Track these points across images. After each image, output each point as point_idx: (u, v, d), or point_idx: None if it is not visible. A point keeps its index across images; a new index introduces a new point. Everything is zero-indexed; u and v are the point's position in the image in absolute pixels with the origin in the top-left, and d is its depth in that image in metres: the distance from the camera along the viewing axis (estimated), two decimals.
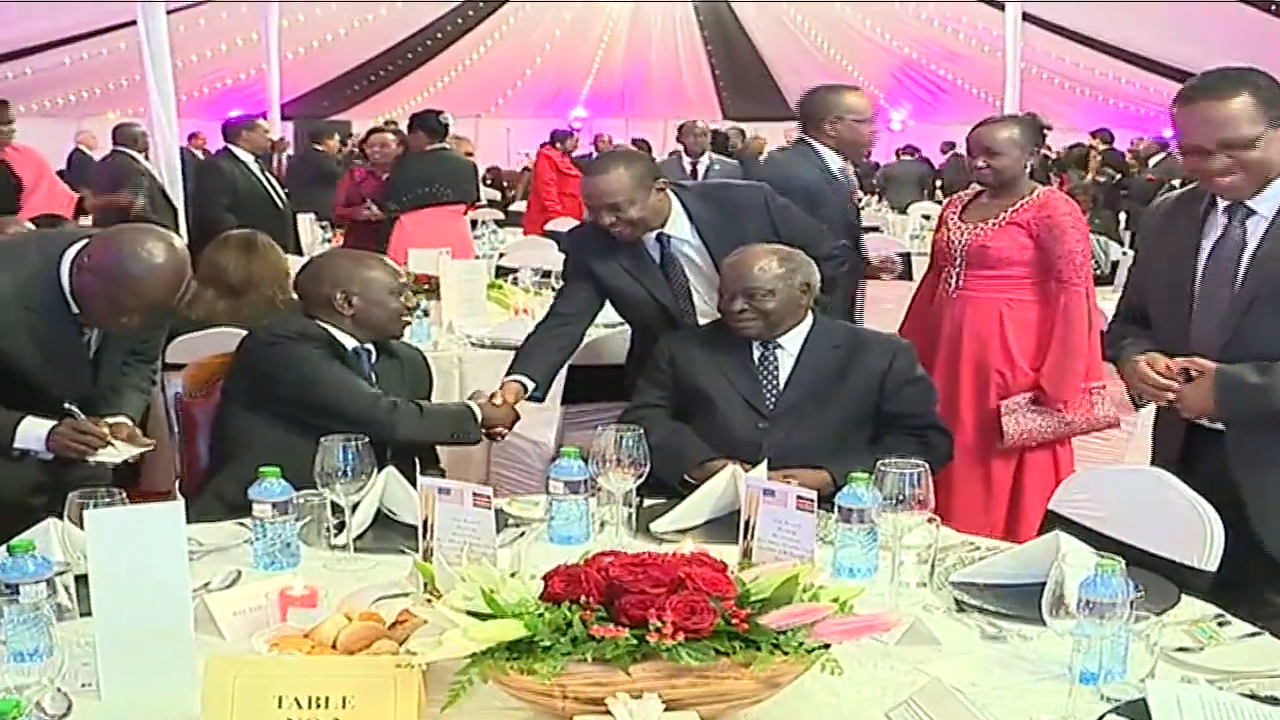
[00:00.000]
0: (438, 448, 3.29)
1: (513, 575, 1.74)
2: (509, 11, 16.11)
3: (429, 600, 1.78)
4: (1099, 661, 1.79)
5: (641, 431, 2.51)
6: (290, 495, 2.37)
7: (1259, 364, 2.51)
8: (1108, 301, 4.37)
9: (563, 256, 4.25)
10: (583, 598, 1.64)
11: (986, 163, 3.91)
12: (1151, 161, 11.90)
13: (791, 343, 3.14)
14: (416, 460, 3.00)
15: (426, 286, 5.11)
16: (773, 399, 3.11)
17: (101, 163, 8.45)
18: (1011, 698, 1.82)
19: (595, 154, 12.09)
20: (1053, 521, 2.56)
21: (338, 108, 17.37)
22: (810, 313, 3.18)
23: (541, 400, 3.53)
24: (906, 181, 13.32)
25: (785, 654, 1.62)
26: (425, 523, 2.21)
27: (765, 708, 1.71)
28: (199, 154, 11.85)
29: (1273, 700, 1.76)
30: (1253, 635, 2.06)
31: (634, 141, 13.68)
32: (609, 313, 3.81)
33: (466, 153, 9.84)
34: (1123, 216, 10.94)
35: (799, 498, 2.17)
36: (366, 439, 2.41)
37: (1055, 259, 3.85)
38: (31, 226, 4.74)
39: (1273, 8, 10.18)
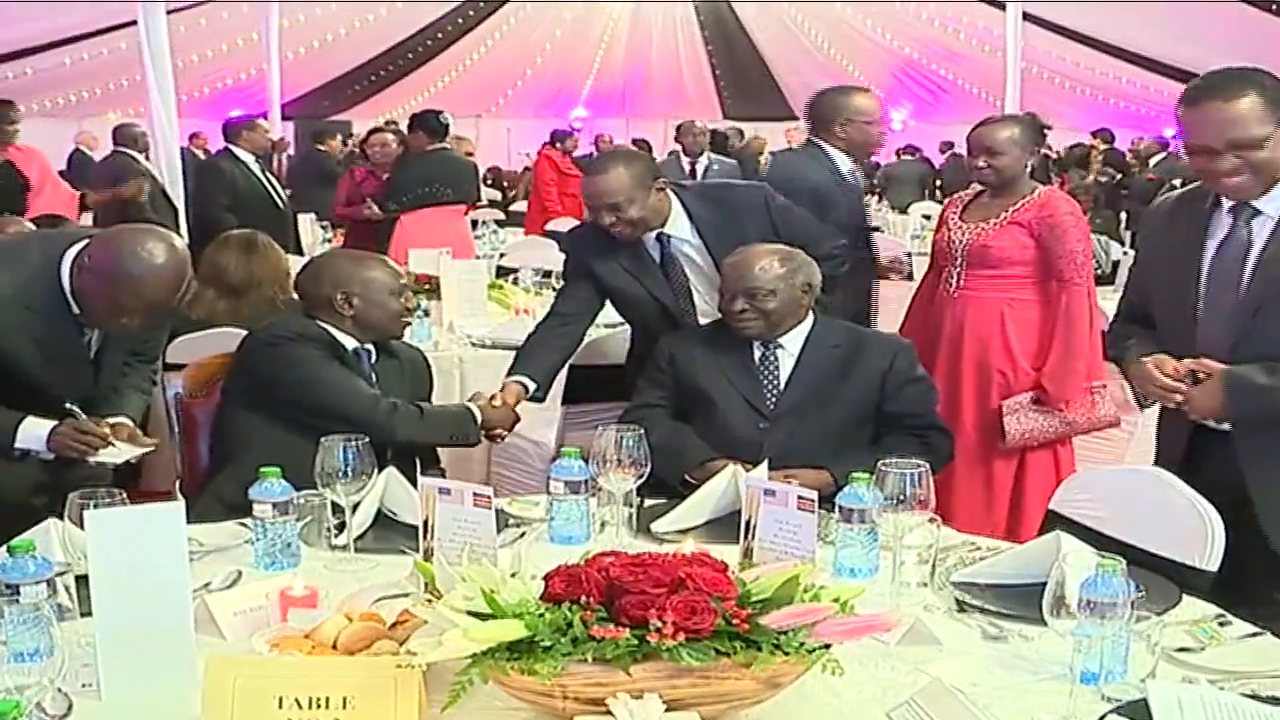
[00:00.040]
0: (438, 448, 3.28)
1: (513, 575, 1.74)
2: (509, 11, 16.10)
3: (429, 600, 1.78)
4: (1100, 662, 1.79)
5: (642, 431, 2.51)
6: (291, 495, 2.37)
7: (1268, 365, 2.50)
8: (1108, 301, 4.37)
9: (563, 257, 4.25)
10: (583, 598, 1.64)
11: (987, 162, 3.91)
12: (1152, 161, 11.91)
13: (792, 343, 3.14)
14: (417, 460, 3.01)
15: (427, 286, 5.11)
16: (773, 399, 3.11)
17: (102, 162, 8.46)
18: (1012, 698, 1.82)
19: (596, 154, 12.08)
20: (1053, 521, 2.56)
21: (338, 108, 17.37)
22: (811, 313, 3.18)
23: (542, 400, 3.53)
24: (907, 181, 13.31)
25: (786, 654, 1.62)
26: (426, 523, 2.21)
27: (766, 708, 1.71)
28: (200, 154, 11.86)
29: (1274, 700, 1.76)
30: (1254, 635, 2.06)
31: (634, 141, 13.68)
32: (609, 313, 3.81)
33: (467, 153, 9.84)
34: (1123, 216, 10.94)
35: (800, 498, 2.17)
36: (367, 439, 2.41)
37: (1057, 258, 3.85)
38: (32, 226, 4.74)
39: (1274, 8, 10.18)
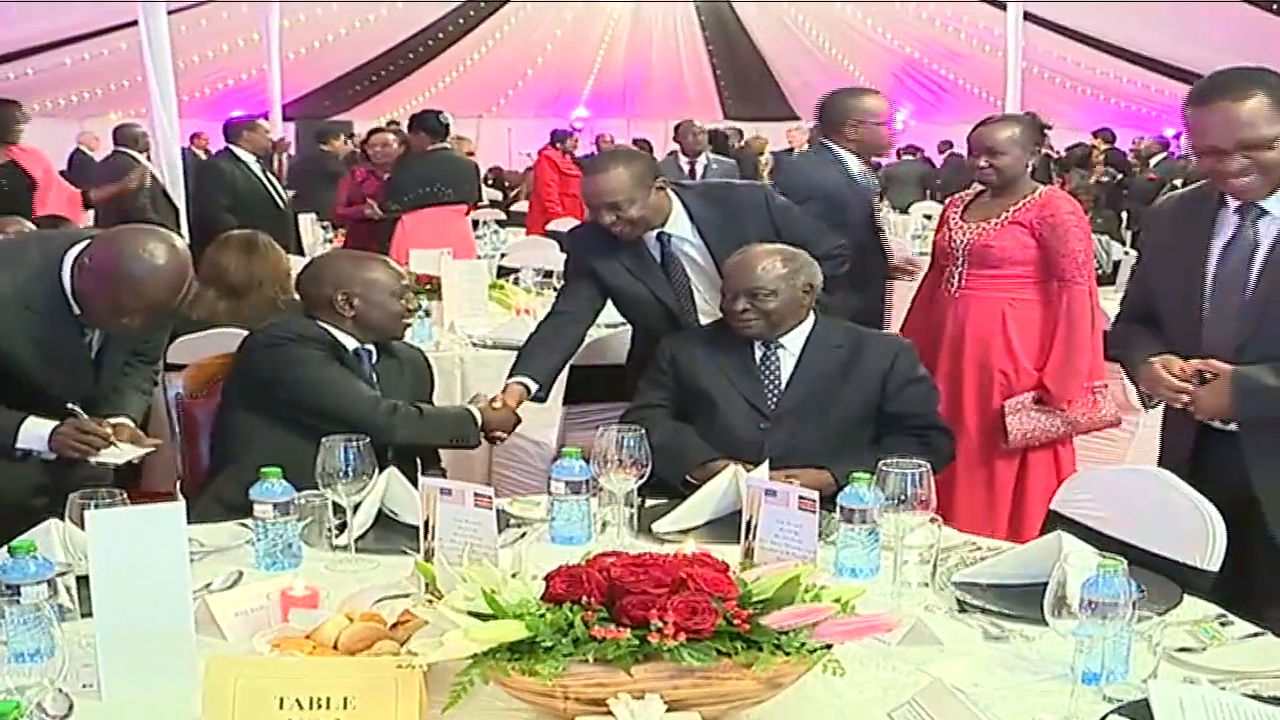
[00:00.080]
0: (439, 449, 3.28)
1: (514, 576, 1.74)
2: (510, 11, 16.09)
3: (430, 601, 1.78)
4: (1101, 662, 1.79)
5: (643, 432, 2.51)
6: (291, 496, 2.37)
7: (1275, 365, 2.49)
8: (1109, 301, 4.37)
9: (564, 257, 4.25)
10: (584, 598, 1.64)
11: (988, 162, 3.91)
12: (1153, 161, 11.90)
13: (793, 343, 3.14)
14: (418, 461, 3.01)
15: (428, 286, 5.11)
16: (774, 399, 3.11)
17: (103, 162, 8.47)
18: (1014, 698, 1.82)
19: (596, 153, 12.09)
20: (1055, 521, 2.55)
21: (339, 108, 17.38)
22: (812, 313, 3.18)
23: (544, 401, 3.53)
24: (908, 181, 13.31)
25: (787, 654, 1.62)
26: (427, 523, 2.21)
27: (767, 708, 1.71)
28: (201, 154, 11.87)
29: (1275, 700, 1.75)
30: (1255, 635, 2.06)
31: (635, 142, 13.68)
32: (610, 313, 3.80)
33: (468, 153, 9.85)
34: (1124, 216, 10.94)
35: (801, 498, 2.17)
36: (368, 439, 2.41)
37: (1058, 258, 3.85)
38: (32, 226, 4.74)
39: (1275, 8, 10.17)
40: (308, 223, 8.25)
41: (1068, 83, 15.40)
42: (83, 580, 1.96)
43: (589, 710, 1.59)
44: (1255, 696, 1.77)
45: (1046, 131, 4.20)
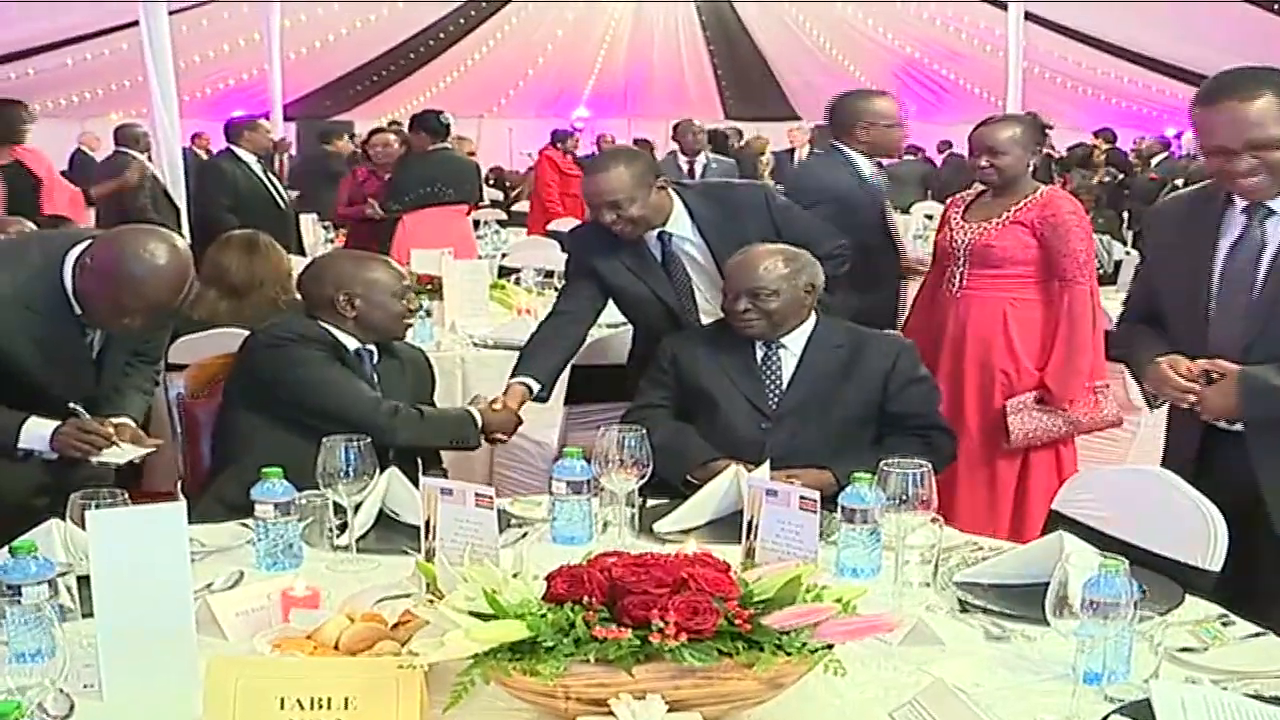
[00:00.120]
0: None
1: (515, 576, 1.74)
2: (511, 12, 16.09)
3: (431, 601, 1.78)
4: (1103, 662, 1.79)
5: (644, 432, 2.51)
6: (292, 496, 2.37)
7: None
8: (1110, 301, 4.37)
9: (565, 256, 4.25)
10: (585, 598, 1.64)
11: (989, 162, 3.91)
12: (1154, 161, 11.90)
13: (795, 343, 3.14)
14: (419, 461, 3.01)
15: (429, 286, 5.11)
16: (776, 399, 3.11)
17: (104, 161, 8.47)
18: (1015, 698, 1.81)
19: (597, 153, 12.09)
20: (1056, 521, 2.55)
21: (340, 108, 17.38)
22: (814, 313, 3.18)
23: (547, 400, 3.53)
24: (909, 181, 13.29)
25: (788, 654, 1.62)
26: (428, 523, 2.21)
27: (768, 708, 1.71)
28: (202, 154, 11.87)
29: (1277, 700, 1.75)
30: (1257, 635, 2.05)
31: (636, 142, 13.67)
32: (611, 313, 3.80)
33: (469, 153, 9.85)
34: (1125, 216, 10.93)
35: (802, 498, 2.17)
36: (369, 439, 2.41)
37: (1060, 258, 3.85)
38: (33, 226, 4.74)
39: (1276, 7, 10.17)
40: (309, 223, 8.25)
41: (1069, 83, 15.40)
42: (84, 580, 1.96)
43: (590, 710, 1.59)
44: (1257, 696, 1.76)
45: (1047, 131, 4.21)
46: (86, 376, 3.01)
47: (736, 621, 1.62)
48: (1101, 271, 5.74)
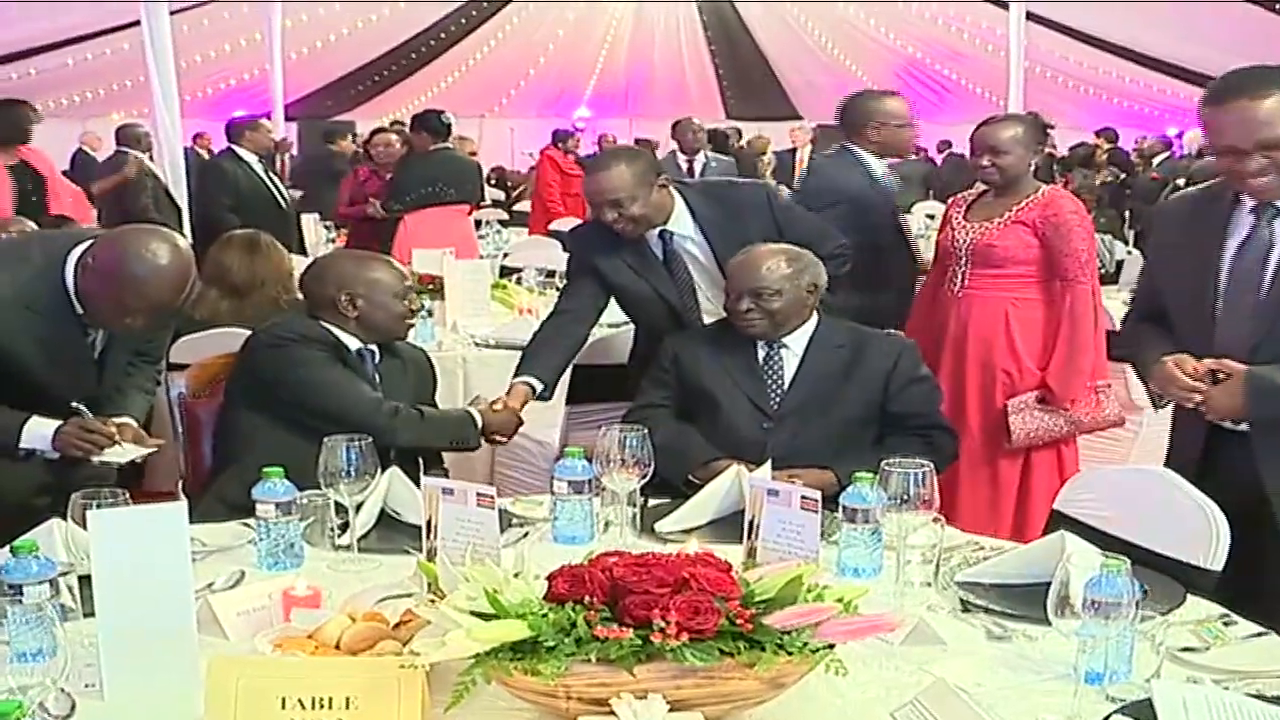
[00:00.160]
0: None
1: (516, 575, 1.73)
2: (512, 11, 16.10)
3: (433, 601, 1.78)
4: (1104, 661, 1.78)
5: (646, 431, 2.50)
6: (294, 495, 2.37)
7: None
8: (1112, 300, 4.37)
9: (566, 256, 4.25)
10: (587, 598, 1.64)
11: (991, 161, 3.91)
12: (1156, 160, 11.88)
13: (796, 343, 3.14)
14: (420, 460, 3.01)
15: (430, 286, 5.11)
16: (777, 399, 3.11)
17: (105, 161, 8.48)
18: (1017, 698, 1.81)
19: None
20: (1058, 521, 2.55)
21: (342, 108, 17.39)
22: (815, 313, 3.17)
23: (550, 399, 3.53)
24: (911, 181, 13.24)
25: (790, 654, 1.62)
26: (429, 523, 2.21)
27: (770, 708, 1.70)
28: (203, 154, 11.88)
29: (1279, 700, 1.75)
30: (1259, 635, 2.05)
31: (638, 141, 13.67)
32: (612, 313, 3.80)
33: (470, 152, 9.84)
34: (1127, 215, 10.93)
35: (803, 498, 2.17)
36: (370, 439, 2.41)
37: (1061, 257, 3.85)
38: (34, 226, 4.75)
39: (1278, 7, 10.16)
40: (310, 222, 8.25)
41: (1070, 82, 15.40)
42: (85, 580, 1.96)
43: (591, 710, 1.59)
44: (1259, 696, 1.76)
45: (1049, 131, 4.21)
46: (88, 376, 3.01)
47: (738, 621, 1.62)
48: (1103, 271, 5.74)
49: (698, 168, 8.57)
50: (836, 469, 2.87)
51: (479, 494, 2.16)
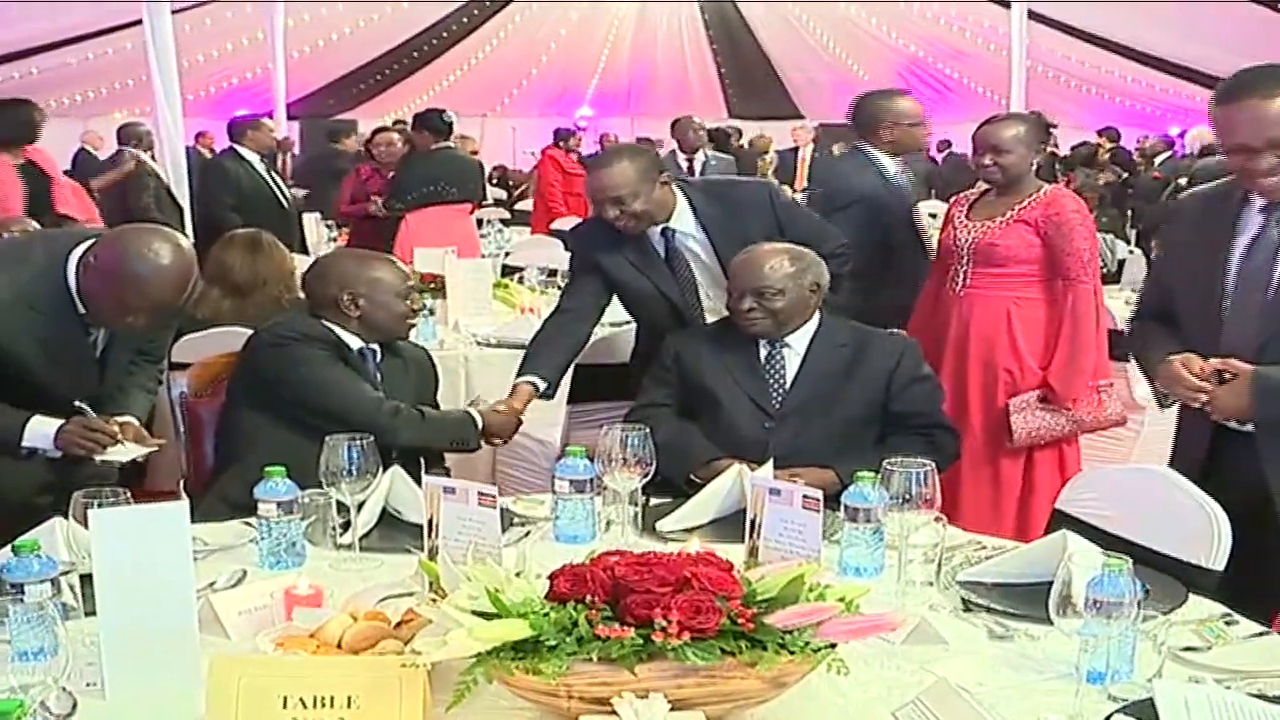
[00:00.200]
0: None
1: (518, 574, 1.73)
2: (514, 10, 16.09)
3: (434, 600, 1.78)
4: (1106, 661, 1.78)
5: (647, 430, 2.50)
6: (295, 494, 2.37)
7: None
8: (1114, 300, 4.36)
9: (569, 255, 4.25)
10: (588, 597, 1.64)
11: (993, 160, 3.90)
12: (1158, 160, 11.87)
13: (799, 342, 3.14)
14: (422, 459, 3.01)
15: (432, 285, 5.11)
16: (779, 398, 3.11)
17: (107, 160, 8.48)
18: (1018, 697, 1.81)
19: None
20: (1060, 521, 2.55)
21: (344, 107, 17.38)
22: (818, 312, 3.17)
23: (552, 398, 3.53)
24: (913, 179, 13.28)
25: (791, 653, 1.62)
26: (430, 522, 2.21)
27: (771, 707, 1.70)
28: (205, 153, 11.87)
29: None
30: (1261, 635, 2.05)
31: (639, 140, 13.67)
32: (614, 312, 3.80)
33: (472, 151, 9.85)
34: (1129, 214, 10.91)
35: (805, 497, 2.17)
36: (371, 438, 2.41)
37: (1063, 256, 3.84)
38: (35, 225, 4.75)
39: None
40: (312, 221, 8.25)
41: (1072, 82, 15.39)
42: (86, 579, 1.96)
43: (593, 709, 1.59)
44: (1260, 696, 1.76)
45: (1051, 130, 4.20)
46: (90, 376, 3.01)
47: (739, 620, 1.62)
48: (1105, 270, 5.74)
49: (698, 166, 8.57)
50: (838, 468, 2.86)
51: (480, 493, 2.16)
